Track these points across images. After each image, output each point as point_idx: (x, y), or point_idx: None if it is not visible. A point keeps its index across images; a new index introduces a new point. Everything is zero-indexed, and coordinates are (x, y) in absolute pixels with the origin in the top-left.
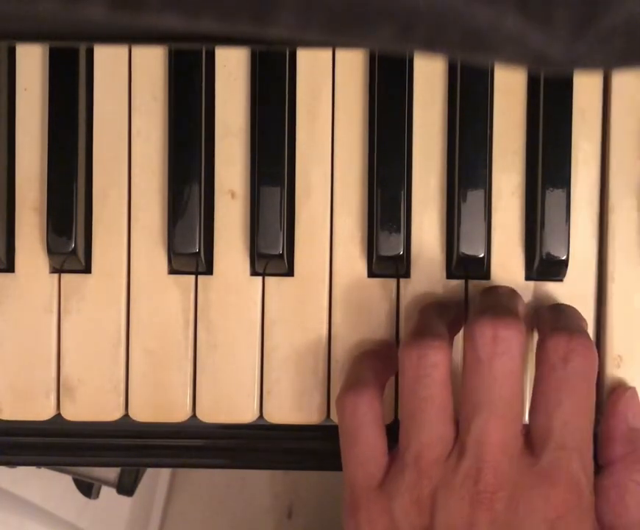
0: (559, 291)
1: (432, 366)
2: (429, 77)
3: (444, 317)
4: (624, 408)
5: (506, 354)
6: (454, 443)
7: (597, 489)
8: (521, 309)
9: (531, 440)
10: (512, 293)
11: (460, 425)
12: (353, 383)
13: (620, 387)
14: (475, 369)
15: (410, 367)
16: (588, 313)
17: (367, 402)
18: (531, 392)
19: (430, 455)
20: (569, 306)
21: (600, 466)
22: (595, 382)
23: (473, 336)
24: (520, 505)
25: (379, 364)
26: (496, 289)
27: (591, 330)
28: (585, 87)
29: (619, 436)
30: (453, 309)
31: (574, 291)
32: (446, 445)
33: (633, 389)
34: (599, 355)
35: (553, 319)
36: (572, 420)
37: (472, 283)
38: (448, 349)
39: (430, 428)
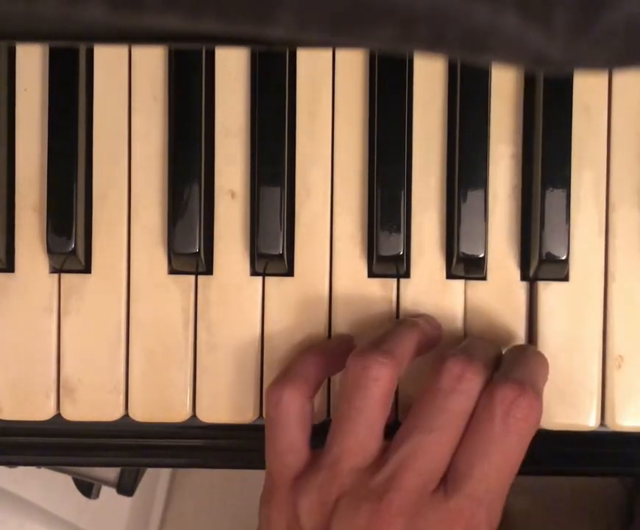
0: (565, 291)
1: (373, 380)
2: (429, 77)
3: (405, 342)
4: None
5: (465, 395)
6: (374, 459)
7: None
8: (494, 359)
9: (450, 476)
10: (490, 344)
11: (393, 441)
12: (284, 375)
13: None
14: (432, 396)
15: (352, 375)
16: (594, 313)
17: (292, 396)
18: None
19: (347, 462)
20: (532, 353)
21: None
22: (529, 443)
23: (443, 366)
24: None
25: (321, 359)
26: (476, 339)
27: (597, 330)
28: (591, 83)
29: None
30: (414, 338)
31: (580, 291)
32: (366, 458)
33: None
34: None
35: (509, 366)
36: (493, 476)
37: (470, 284)
38: (395, 368)
39: (354, 437)
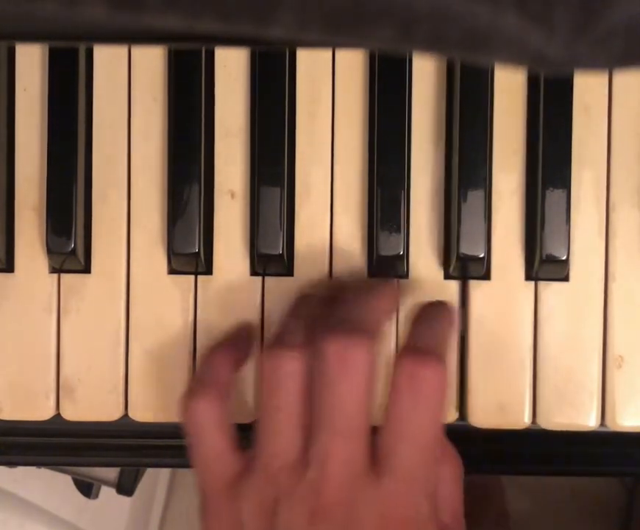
0: (565, 291)
1: (286, 376)
2: (429, 77)
3: (301, 322)
4: None
5: (352, 372)
6: (304, 453)
7: None
8: (385, 310)
9: (377, 458)
10: (373, 296)
11: (310, 434)
12: (192, 386)
13: None
14: (321, 385)
15: (267, 374)
16: (594, 313)
17: (206, 405)
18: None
19: (277, 462)
20: (436, 309)
21: None
22: (445, 406)
23: (322, 351)
24: (356, 524)
25: (226, 358)
26: (356, 291)
27: (597, 330)
28: (591, 83)
29: None
30: (316, 305)
31: (580, 291)
32: (295, 455)
33: None
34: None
35: (412, 332)
36: (415, 450)
37: (472, 283)
38: (304, 357)
39: (280, 436)
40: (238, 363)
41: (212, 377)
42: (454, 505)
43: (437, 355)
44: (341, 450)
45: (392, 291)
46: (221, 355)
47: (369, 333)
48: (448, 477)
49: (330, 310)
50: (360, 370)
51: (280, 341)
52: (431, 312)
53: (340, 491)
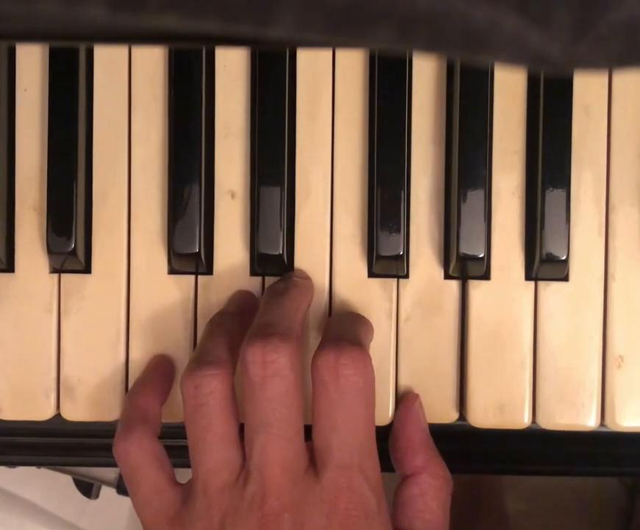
0: (565, 291)
1: (208, 395)
2: (429, 77)
3: (224, 331)
4: (417, 415)
5: (277, 375)
6: (241, 467)
7: (404, 498)
8: (302, 307)
9: (313, 456)
10: (298, 293)
11: (245, 449)
12: (122, 427)
13: (410, 393)
14: (249, 394)
15: (188, 398)
16: (594, 313)
17: (136, 444)
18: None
19: (215, 482)
20: (348, 312)
21: (405, 475)
22: (373, 392)
23: (244, 361)
24: (305, 525)
25: (149, 394)
26: (278, 292)
27: (597, 330)
28: (591, 83)
29: (419, 444)
30: (234, 316)
31: (580, 291)
32: (232, 471)
33: (419, 395)
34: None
35: (327, 331)
36: (349, 439)
37: (472, 283)
38: (225, 373)
39: (213, 455)
40: (162, 396)
41: (139, 415)
42: (430, 518)
43: (359, 345)
44: (277, 455)
45: (304, 287)
46: (144, 392)
47: (287, 334)
48: (426, 488)
49: (242, 322)
50: (283, 373)
51: (197, 361)
52: (349, 314)
53: (284, 497)
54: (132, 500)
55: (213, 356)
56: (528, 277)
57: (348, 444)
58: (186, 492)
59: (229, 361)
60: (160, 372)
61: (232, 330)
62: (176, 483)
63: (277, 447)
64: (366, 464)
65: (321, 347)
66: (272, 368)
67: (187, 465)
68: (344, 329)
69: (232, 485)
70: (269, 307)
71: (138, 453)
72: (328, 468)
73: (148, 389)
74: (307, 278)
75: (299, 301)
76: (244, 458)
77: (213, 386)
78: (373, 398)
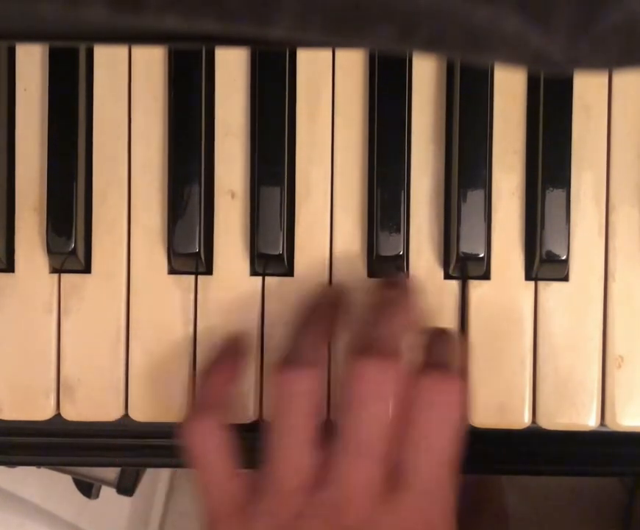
0: (565, 291)
1: (300, 395)
2: (429, 77)
3: (311, 337)
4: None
5: (381, 397)
6: (317, 472)
7: None
8: (407, 324)
9: (393, 475)
10: (398, 311)
11: (330, 452)
12: (194, 410)
13: None
14: (348, 407)
15: (279, 393)
16: (594, 313)
17: (208, 428)
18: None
19: (292, 482)
20: (447, 336)
21: None
22: (464, 420)
23: (353, 372)
24: None
25: (220, 378)
26: (382, 306)
27: (597, 330)
28: (591, 83)
29: None
30: (322, 322)
31: (580, 291)
32: (310, 474)
33: None
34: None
35: (427, 353)
36: (436, 467)
37: (472, 283)
38: (318, 376)
39: (294, 455)
40: (232, 382)
41: (211, 399)
42: None
43: (453, 371)
44: (365, 474)
45: (411, 305)
46: (219, 375)
47: (397, 355)
48: None
49: (345, 326)
50: (388, 394)
51: (293, 359)
52: (445, 336)
53: (362, 510)
54: (196, 478)
55: (310, 357)
56: (528, 277)
57: (431, 470)
58: (254, 484)
59: (324, 364)
60: (234, 352)
61: (325, 330)
62: (242, 473)
63: (367, 465)
64: (446, 492)
65: (427, 368)
66: (380, 390)
67: (187, 465)
68: (449, 351)
69: (307, 488)
70: (382, 318)
71: (210, 437)
72: (411, 492)
73: (222, 369)
74: (412, 288)
75: (406, 319)
76: (322, 458)
77: (306, 386)
78: (461, 427)
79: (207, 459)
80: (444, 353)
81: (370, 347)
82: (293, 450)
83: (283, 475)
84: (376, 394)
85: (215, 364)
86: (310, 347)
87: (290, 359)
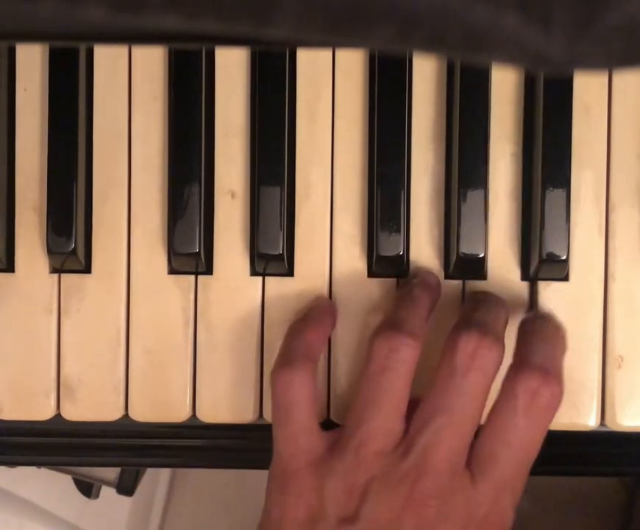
0: (565, 291)
1: (401, 362)
2: (429, 77)
3: (421, 311)
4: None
5: (481, 371)
6: (399, 441)
7: None
8: (505, 322)
9: (474, 460)
10: (501, 306)
11: (413, 421)
12: (287, 358)
13: None
14: (448, 376)
15: (379, 357)
16: (594, 313)
17: (300, 379)
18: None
19: (374, 446)
20: (552, 329)
21: None
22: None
23: (456, 345)
24: (448, 521)
25: (316, 334)
26: (487, 299)
27: (597, 330)
28: (591, 82)
29: None
30: (427, 303)
31: (580, 291)
32: (392, 440)
33: None
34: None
35: (528, 348)
36: (515, 463)
37: (469, 283)
38: (418, 347)
39: (382, 420)
40: (324, 341)
41: (306, 351)
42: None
43: (558, 376)
44: (448, 444)
45: (504, 303)
46: (313, 330)
47: (500, 340)
48: None
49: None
50: (487, 370)
51: (399, 325)
52: (546, 328)
53: (438, 485)
54: (275, 429)
55: (412, 327)
56: (526, 278)
57: (512, 467)
58: (332, 443)
59: (423, 337)
60: (326, 310)
61: (426, 305)
62: (323, 430)
63: (451, 436)
64: (518, 487)
65: (527, 366)
66: (481, 362)
67: (187, 465)
68: (552, 352)
69: (388, 453)
70: (486, 304)
71: (299, 388)
72: (487, 480)
73: (314, 324)
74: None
75: (506, 314)
76: (404, 432)
77: (407, 355)
78: (546, 431)
79: (294, 408)
80: (547, 352)
81: (473, 323)
82: (384, 414)
83: (368, 436)
84: (475, 365)
85: (309, 318)
86: (418, 318)
87: (397, 326)
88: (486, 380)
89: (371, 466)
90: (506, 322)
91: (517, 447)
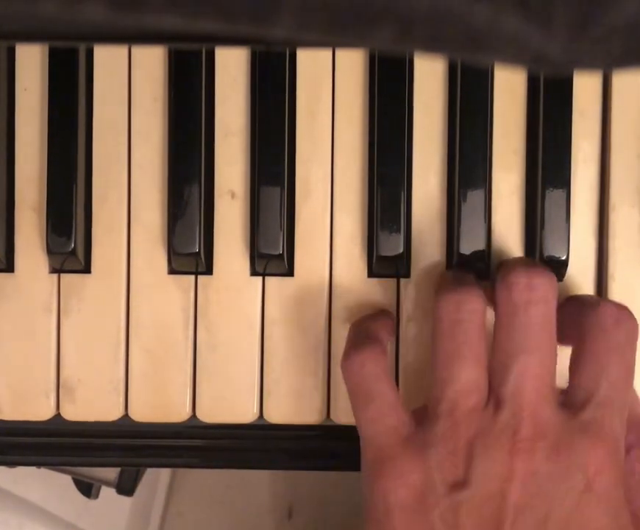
0: (564, 290)
1: (472, 312)
2: (429, 77)
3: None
4: None
5: (542, 301)
6: (487, 394)
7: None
8: None
9: (571, 396)
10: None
11: (493, 377)
12: (355, 342)
13: None
14: (511, 317)
15: (448, 312)
16: None
17: (374, 357)
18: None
19: (467, 403)
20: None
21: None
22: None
23: (509, 284)
24: (560, 457)
25: (377, 324)
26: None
27: None
28: (585, 88)
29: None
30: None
31: (580, 291)
32: (482, 395)
33: None
34: None
35: (592, 298)
36: (618, 382)
37: None
38: (483, 301)
39: (466, 373)
40: (389, 334)
41: (372, 335)
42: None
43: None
44: (536, 382)
45: None
46: (381, 321)
47: (537, 264)
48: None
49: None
50: (547, 298)
51: (460, 283)
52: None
53: (540, 425)
54: (358, 417)
55: (471, 283)
56: None
57: (616, 388)
58: (419, 417)
59: (484, 295)
60: (385, 313)
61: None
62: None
63: (536, 373)
64: (624, 413)
65: (604, 300)
66: (538, 292)
67: (188, 465)
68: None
69: (481, 409)
70: (520, 258)
71: (375, 365)
72: (590, 406)
73: (384, 321)
74: None
75: None
76: (494, 383)
77: (476, 305)
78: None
79: (373, 386)
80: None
81: (520, 259)
82: (468, 367)
83: (458, 395)
84: (534, 296)
85: (371, 315)
86: (472, 279)
87: (461, 282)
88: (549, 307)
89: (469, 425)
90: None
91: (616, 366)
